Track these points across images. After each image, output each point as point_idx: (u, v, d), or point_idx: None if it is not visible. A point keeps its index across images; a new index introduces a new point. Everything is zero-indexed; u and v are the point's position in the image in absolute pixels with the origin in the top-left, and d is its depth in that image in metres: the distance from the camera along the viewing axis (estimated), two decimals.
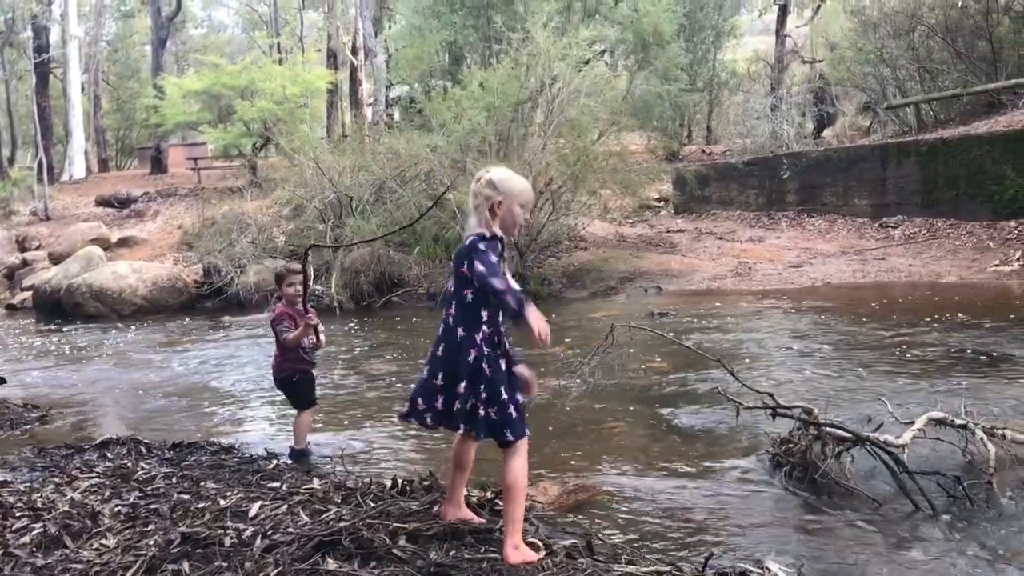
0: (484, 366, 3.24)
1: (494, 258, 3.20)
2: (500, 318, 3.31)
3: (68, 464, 4.96)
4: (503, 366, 3.29)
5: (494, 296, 3.17)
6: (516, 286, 3.26)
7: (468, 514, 3.55)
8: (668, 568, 3.15)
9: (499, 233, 3.29)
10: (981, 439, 4.20)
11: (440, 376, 3.30)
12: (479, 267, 3.17)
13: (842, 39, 23.59)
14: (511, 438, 3.22)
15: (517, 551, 3.15)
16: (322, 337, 5.22)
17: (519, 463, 3.24)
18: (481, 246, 3.22)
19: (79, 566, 3.33)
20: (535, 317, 3.14)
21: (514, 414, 3.23)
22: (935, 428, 4.40)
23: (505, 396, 3.22)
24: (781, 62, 25.38)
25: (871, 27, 20.98)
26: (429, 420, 3.36)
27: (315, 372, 5.30)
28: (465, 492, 3.93)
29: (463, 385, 3.23)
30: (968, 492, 3.91)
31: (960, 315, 8.77)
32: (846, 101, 22.66)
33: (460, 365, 3.26)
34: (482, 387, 3.22)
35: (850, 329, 8.62)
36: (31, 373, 9.17)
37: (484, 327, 3.28)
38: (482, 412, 3.19)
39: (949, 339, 7.69)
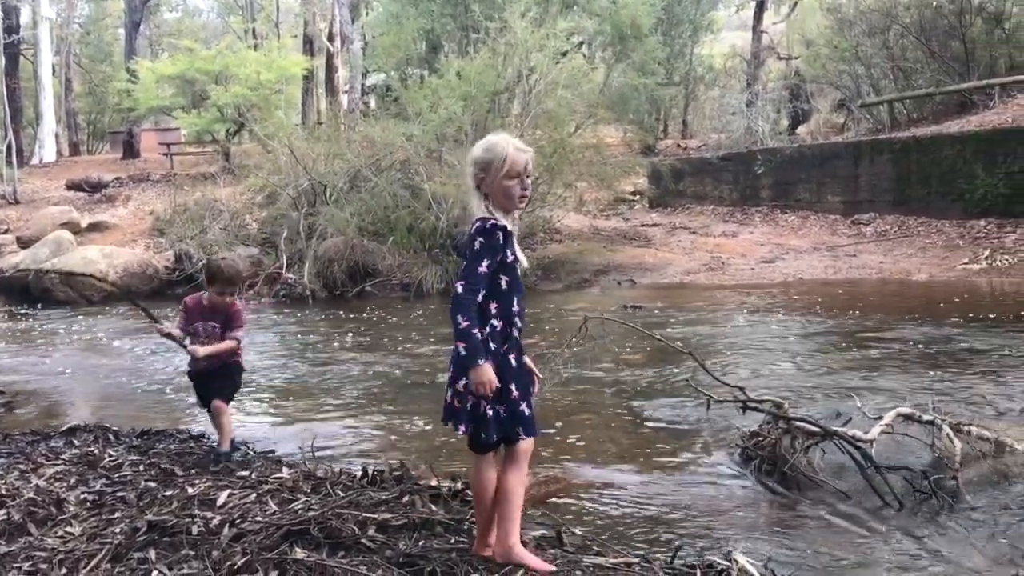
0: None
1: (483, 266, 2.86)
2: (515, 308, 2.99)
3: (34, 451, 4.89)
4: (512, 362, 2.99)
5: (453, 330, 2.87)
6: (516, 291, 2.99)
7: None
8: (637, 560, 3.16)
9: (498, 218, 2.92)
10: (948, 435, 4.25)
11: (451, 370, 3.02)
12: (458, 285, 2.89)
13: (818, 36, 23.76)
14: (523, 437, 2.97)
15: (519, 550, 2.99)
16: (200, 351, 4.69)
17: (519, 472, 3.01)
18: (477, 244, 2.89)
19: (43, 553, 3.29)
20: (482, 379, 2.83)
21: (526, 411, 2.98)
22: (903, 424, 4.44)
23: (516, 393, 2.96)
24: (757, 58, 25.53)
25: (847, 25, 21.12)
26: (443, 416, 3.06)
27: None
28: (435, 482, 3.92)
29: (462, 383, 2.93)
30: (934, 487, 3.95)
31: (929, 312, 8.86)
32: (821, 98, 22.81)
33: (461, 361, 2.96)
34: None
35: (821, 325, 8.69)
36: None
37: (492, 321, 2.94)
38: (490, 412, 2.90)
39: (918, 336, 7.77)
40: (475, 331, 2.83)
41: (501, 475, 3.01)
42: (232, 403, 5.01)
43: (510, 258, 2.93)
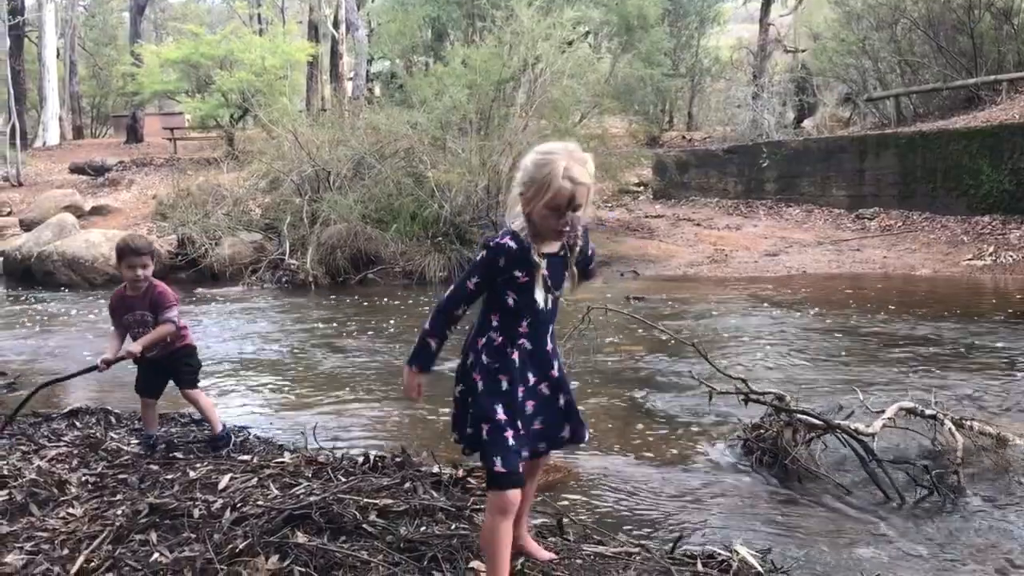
0: (475, 375, 2.71)
1: (471, 283, 2.67)
2: (522, 329, 2.71)
3: (36, 432, 4.90)
4: (503, 384, 2.68)
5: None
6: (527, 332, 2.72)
7: (531, 547, 2.97)
8: (637, 549, 3.16)
9: (517, 238, 2.63)
10: (950, 429, 4.25)
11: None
12: (447, 291, 2.74)
13: (825, 29, 23.68)
14: (490, 467, 2.62)
15: None
16: (135, 347, 4.36)
17: (492, 519, 2.64)
18: (480, 256, 2.69)
19: (45, 534, 3.30)
20: (405, 380, 2.80)
21: (501, 440, 2.62)
22: (905, 418, 4.44)
23: (501, 417, 2.63)
24: (764, 50, 25.43)
25: (854, 18, 21.05)
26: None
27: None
28: (437, 469, 3.92)
29: (457, 389, 2.79)
30: (936, 481, 3.95)
31: (932, 308, 8.85)
32: (827, 92, 22.76)
33: (459, 369, 2.82)
34: (469, 399, 2.72)
35: (824, 318, 8.68)
36: (0, 340, 9.05)
37: (491, 333, 2.71)
38: (469, 429, 2.70)
39: (921, 331, 7.77)
40: (429, 339, 2.72)
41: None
42: (233, 386, 4.99)
43: (521, 278, 2.64)
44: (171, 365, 4.54)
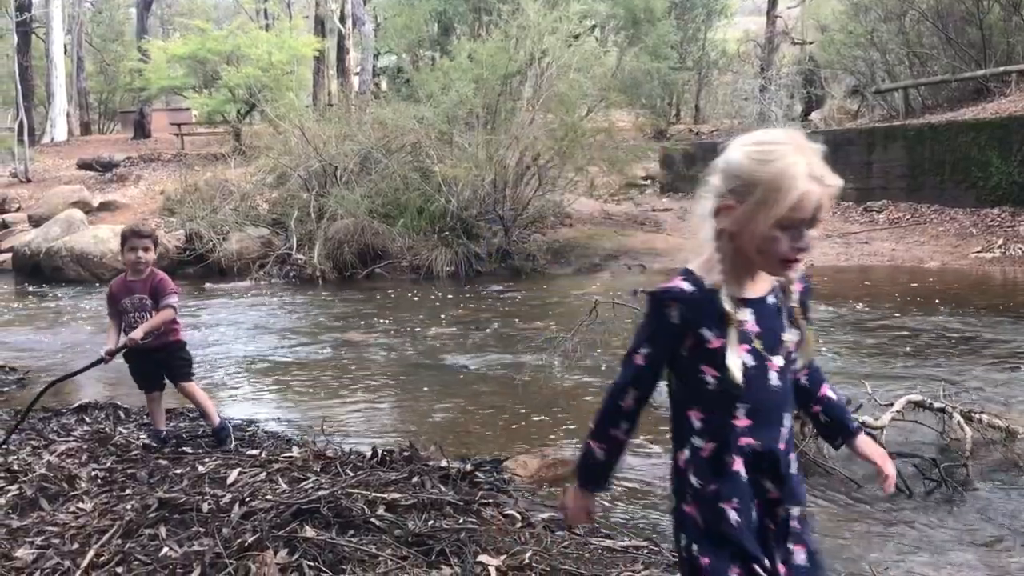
0: (686, 509, 1.83)
1: (639, 355, 1.84)
2: (740, 424, 1.78)
3: (46, 428, 4.93)
4: (731, 517, 1.75)
5: None
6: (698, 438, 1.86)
7: None
8: (645, 544, 3.16)
9: (697, 283, 1.77)
10: (958, 422, 4.24)
11: None
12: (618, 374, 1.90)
13: (833, 21, 23.60)
14: None
15: None
16: (136, 334, 4.32)
17: None
18: (645, 313, 1.85)
19: (55, 528, 3.31)
20: (566, 504, 2.03)
21: None
22: (913, 411, 4.43)
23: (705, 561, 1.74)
24: (771, 43, 25.35)
25: (862, 10, 20.95)
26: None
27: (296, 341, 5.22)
28: (445, 463, 3.93)
29: (678, 540, 1.86)
30: (944, 475, 3.95)
31: (941, 300, 8.82)
32: (835, 84, 22.67)
33: (671, 512, 1.92)
34: (682, 536, 1.83)
35: (832, 311, 8.65)
36: (9, 336, 9.09)
37: (694, 440, 1.86)
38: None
39: (929, 323, 7.74)
40: (595, 447, 1.94)
41: None
42: (241, 381, 5.00)
43: (711, 343, 1.75)
44: (164, 359, 4.55)
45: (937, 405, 4.39)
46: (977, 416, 4.40)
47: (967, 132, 14.26)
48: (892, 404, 4.40)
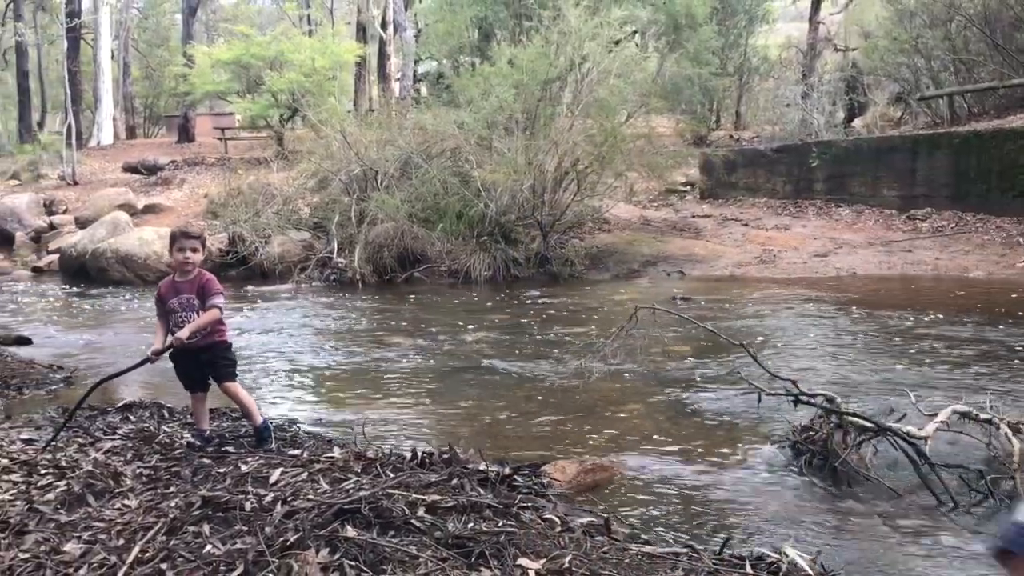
0: None
1: None
2: None
3: (92, 425, 5.01)
4: None
5: None
6: None
7: None
8: (685, 550, 3.15)
9: None
10: (1005, 434, 4.17)
11: None
12: None
13: (877, 27, 23.31)
14: None
15: None
16: (183, 333, 4.37)
17: None
18: None
19: (101, 524, 3.37)
20: None
21: None
22: (959, 421, 4.37)
23: None
24: (814, 49, 25.08)
25: (907, 16, 20.68)
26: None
27: (335, 345, 5.26)
28: (484, 466, 3.94)
29: None
30: (991, 487, 3.88)
31: (986, 310, 8.68)
32: (878, 91, 22.38)
33: None
34: None
35: (874, 320, 8.55)
36: (56, 335, 9.27)
37: None
38: None
39: (974, 334, 7.62)
40: None
41: None
42: (284, 382, 5.05)
43: None
44: (209, 360, 4.60)
45: (983, 416, 4.32)
46: None
47: (1015, 140, 14.02)
48: (937, 414, 4.34)
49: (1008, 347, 7.04)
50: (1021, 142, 13.85)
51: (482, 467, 3.95)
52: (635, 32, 21.55)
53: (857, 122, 21.54)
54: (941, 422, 4.26)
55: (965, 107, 19.11)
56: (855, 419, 4.32)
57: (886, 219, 15.55)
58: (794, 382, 4.64)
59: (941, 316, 8.51)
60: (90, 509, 3.55)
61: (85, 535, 3.28)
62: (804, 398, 4.58)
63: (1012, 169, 13.85)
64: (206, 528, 3.27)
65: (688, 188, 20.11)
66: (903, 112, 20.88)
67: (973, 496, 3.89)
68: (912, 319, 8.46)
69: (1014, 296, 9.66)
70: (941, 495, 3.90)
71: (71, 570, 3.01)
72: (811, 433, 4.48)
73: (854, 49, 25.61)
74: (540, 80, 14.38)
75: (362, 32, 30.11)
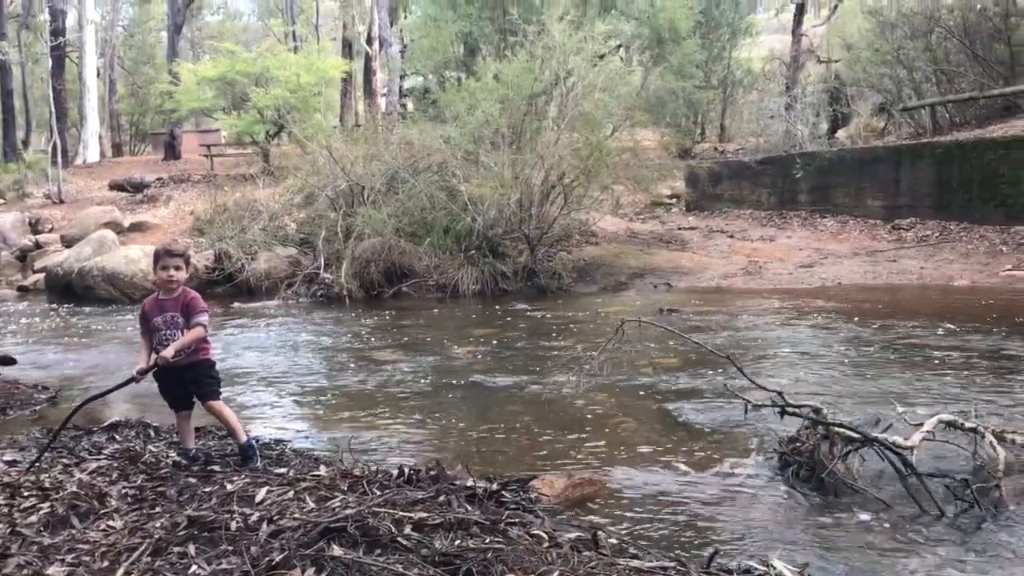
0: None
1: None
2: None
3: (77, 446, 4.97)
4: None
5: None
6: None
7: None
8: (673, 564, 3.14)
9: None
10: (991, 443, 4.19)
11: None
12: None
13: (859, 39, 23.46)
14: None
15: None
16: (167, 352, 4.38)
17: None
18: None
19: (86, 546, 3.34)
20: None
21: None
22: (944, 431, 4.39)
23: None
24: (797, 61, 25.28)
25: (888, 28, 20.85)
26: None
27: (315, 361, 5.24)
28: (471, 483, 3.93)
29: None
30: (976, 496, 3.89)
31: (971, 319, 8.72)
32: (861, 102, 22.55)
33: None
34: None
35: (860, 330, 8.59)
36: (41, 354, 9.21)
37: None
38: None
39: (960, 342, 7.66)
40: None
41: None
42: (269, 400, 5.03)
43: None
44: (193, 378, 4.59)
45: (969, 425, 4.34)
46: (1010, 436, 4.35)
47: (995, 149, 14.15)
48: (922, 424, 4.36)
49: (993, 355, 7.08)
50: (1001, 152, 13.98)
51: (469, 483, 3.94)
52: (619, 46, 21.66)
53: (841, 133, 21.68)
54: (927, 432, 4.28)
55: (947, 117, 19.26)
56: (842, 430, 4.33)
57: (871, 229, 15.64)
58: (780, 393, 4.65)
59: (927, 325, 8.55)
60: (74, 531, 3.53)
61: (69, 558, 3.25)
62: (791, 409, 4.59)
63: (993, 179, 13.96)
64: (191, 549, 3.25)
65: (674, 200, 20.19)
66: (886, 123, 21.02)
67: (959, 505, 3.90)
68: (898, 328, 8.50)
69: (998, 304, 9.72)
70: (927, 505, 3.91)
71: None
72: (798, 444, 4.49)
73: (837, 61, 25.78)
74: (525, 95, 14.43)
75: (348, 48, 30.21)
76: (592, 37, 15.12)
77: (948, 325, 8.47)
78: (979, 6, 18.70)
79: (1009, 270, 11.83)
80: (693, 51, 21.72)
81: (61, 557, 3.26)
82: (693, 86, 21.64)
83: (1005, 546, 3.55)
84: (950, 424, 4.38)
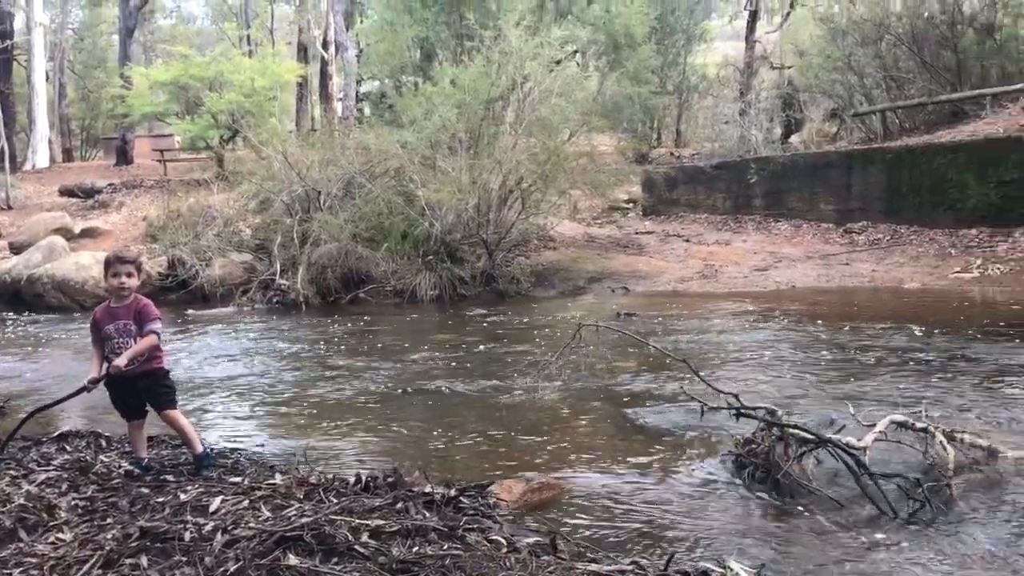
0: None
1: None
2: None
3: (25, 457, 4.86)
4: None
5: None
6: None
7: None
8: (631, 567, 3.15)
9: None
10: (941, 442, 4.26)
11: None
12: None
13: (811, 46, 23.85)
14: None
15: None
16: (120, 361, 4.32)
17: None
18: None
19: (34, 559, 3.27)
20: None
21: None
22: (896, 431, 4.45)
23: None
24: (751, 67, 25.61)
25: (840, 35, 21.21)
26: None
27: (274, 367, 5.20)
28: (429, 489, 3.91)
29: None
30: (928, 495, 3.95)
31: (921, 320, 8.88)
32: (814, 107, 22.90)
33: None
34: None
35: (814, 332, 8.70)
36: None
37: None
38: None
39: (911, 344, 7.79)
40: None
41: None
42: (223, 408, 4.97)
43: None
44: (147, 387, 4.51)
45: (919, 425, 4.41)
46: (959, 435, 4.43)
47: (944, 154, 14.43)
48: (875, 425, 4.42)
49: (943, 356, 7.21)
50: (950, 156, 14.26)
51: (427, 489, 3.92)
52: (575, 52, 21.79)
53: (794, 138, 22.00)
54: (879, 432, 4.34)
55: (897, 123, 19.63)
56: (796, 431, 4.38)
57: (824, 233, 15.87)
58: (735, 396, 4.70)
59: (879, 327, 8.69)
60: (22, 544, 3.45)
61: (16, 572, 3.17)
62: (746, 411, 4.63)
63: (942, 183, 14.23)
64: (144, 560, 3.20)
65: (631, 205, 20.34)
66: (838, 128, 21.37)
67: (912, 504, 3.96)
68: (851, 331, 8.62)
69: (948, 306, 9.91)
70: (881, 504, 3.96)
71: None
72: (753, 446, 4.53)
73: (790, 67, 26.15)
74: (482, 100, 14.44)
75: (303, 52, 30.03)
76: (548, 43, 15.18)
77: (899, 327, 8.62)
78: (926, 14, 19.10)
79: (958, 272, 12.07)
80: (649, 57, 21.92)
81: (8, 571, 3.18)
82: (649, 92, 21.84)
83: (956, 543, 3.61)
84: (901, 424, 4.45)
